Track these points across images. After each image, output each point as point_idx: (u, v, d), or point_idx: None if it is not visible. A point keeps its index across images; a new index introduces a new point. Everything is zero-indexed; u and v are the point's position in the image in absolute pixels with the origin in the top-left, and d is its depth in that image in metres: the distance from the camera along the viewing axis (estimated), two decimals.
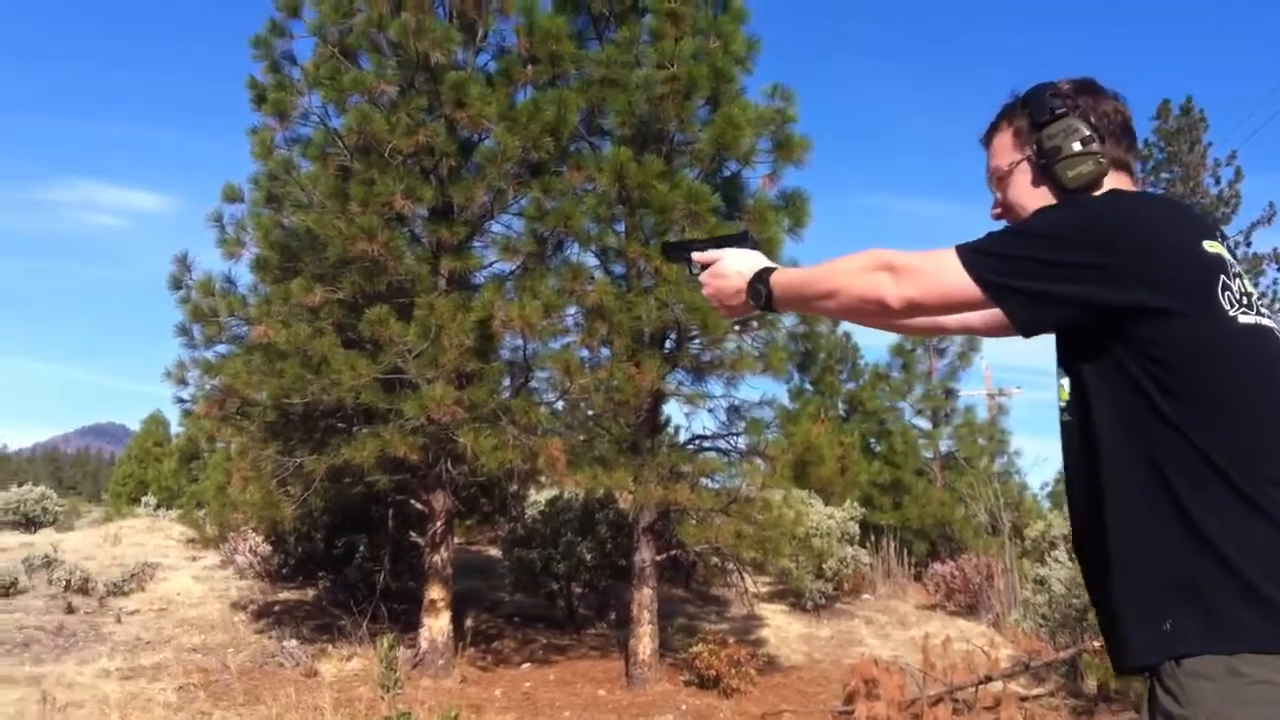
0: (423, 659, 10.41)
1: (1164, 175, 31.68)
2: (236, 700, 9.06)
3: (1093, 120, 2.06)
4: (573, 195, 10.14)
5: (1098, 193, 2.04)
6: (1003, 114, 2.20)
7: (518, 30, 10.35)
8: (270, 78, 10.63)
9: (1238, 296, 1.86)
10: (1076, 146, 2.04)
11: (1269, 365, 1.88)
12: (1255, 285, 1.98)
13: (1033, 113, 2.11)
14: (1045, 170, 2.08)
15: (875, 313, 2.06)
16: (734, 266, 2.37)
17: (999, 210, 2.21)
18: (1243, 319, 1.85)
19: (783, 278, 2.25)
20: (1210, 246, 1.88)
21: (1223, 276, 1.86)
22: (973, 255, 1.91)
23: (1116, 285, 1.80)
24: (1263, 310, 1.92)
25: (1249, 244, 31.81)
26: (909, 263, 1.97)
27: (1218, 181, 31.71)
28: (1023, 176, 2.14)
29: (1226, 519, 1.77)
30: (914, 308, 1.99)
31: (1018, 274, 1.87)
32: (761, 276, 2.28)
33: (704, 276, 2.43)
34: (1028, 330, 1.94)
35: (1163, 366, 1.81)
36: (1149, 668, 1.82)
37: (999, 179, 2.19)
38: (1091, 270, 1.80)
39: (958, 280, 1.91)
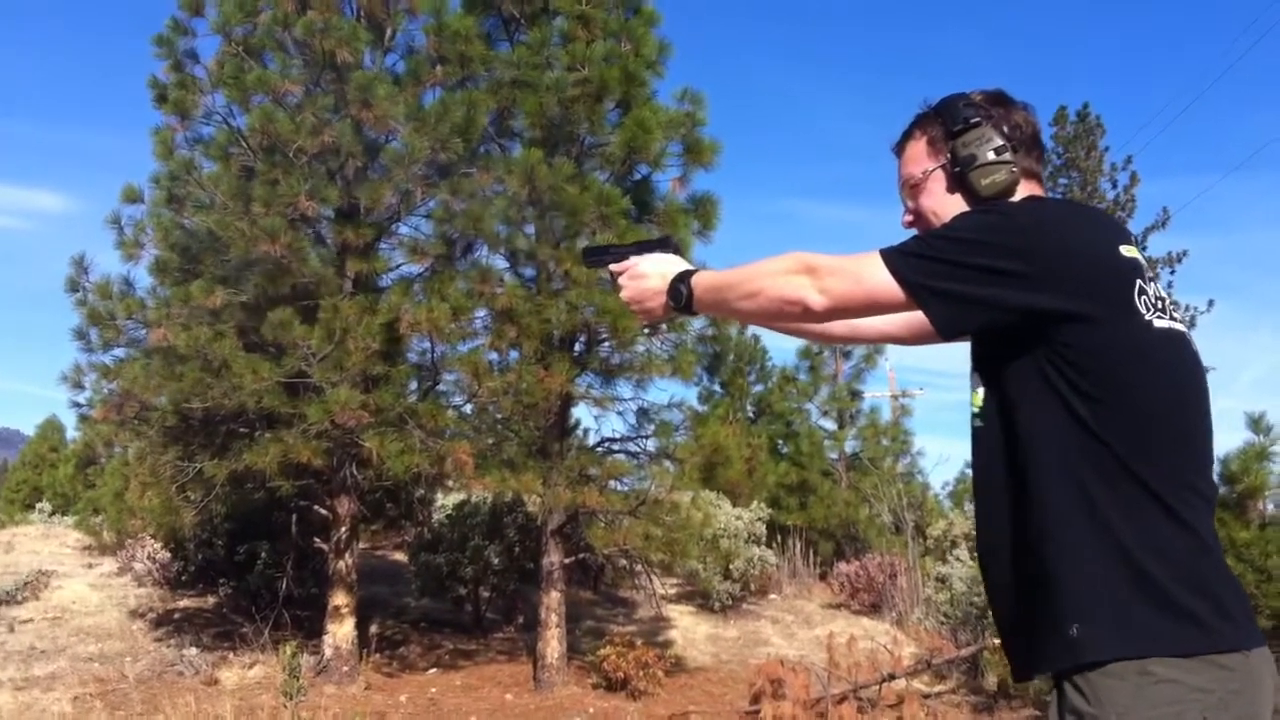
0: (326, 666, 10.27)
1: (1061, 180, 32.31)
2: (134, 710, 8.87)
3: (1005, 130, 2.08)
4: (482, 197, 10.08)
5: (1015, 199, 2.06)
6: (916, 123, 2.21)
7: (426, 30, 10.28)
8: (172, 76, 10.41)
9: (1153, 301, 1.89)
10: (990, 155, 2.06)
11: (1183, 370, 1.91)
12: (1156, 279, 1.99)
13: (947, 121, 2.12)
14: (959, 178, 2.10)
15: (796, 315, 2.03)
16: (654, 269, 2.34)
17: (910, 218, 2.21)
18: (1158, 323, 1.88)
19: (704, 279, 2.22)
20: (1127, 251, 1.91)
21: (1139, 281, 1.88)
22: (897, 257, 1.91)
23: (1037, 290, 1.81)
24: (1175, 315, 1.94)
25: (1144, 248, 32.49)
26: (831, 264, 1.96)
27: (1114, 186, 32.42)
28: (936, 184, 2.15)
29: (1142, 525, 1.80)
30: (836, 309, 1.98)
31: (940, 275, 1.87)
32: (682, 277, 2.25)
33: (623, 279, 2.39)
34: (948, 333, 1.94)
35: (1081, 371, 1.83)
36: (1054, 674, 1.84)
37: (912, 187, 2.19)
38: (1012, 274, 1.81)
39: (880, 281, 1.91)
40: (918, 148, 2.19)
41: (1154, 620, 1.76)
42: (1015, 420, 1.92)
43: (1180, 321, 1.96)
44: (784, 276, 2.01)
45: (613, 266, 2.47)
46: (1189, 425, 1.90)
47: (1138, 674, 1.73)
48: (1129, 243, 1.94)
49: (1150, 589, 1.77)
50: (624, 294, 2.40)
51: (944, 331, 1.93)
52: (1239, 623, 1.81)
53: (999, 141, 2.07)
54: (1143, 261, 1.94)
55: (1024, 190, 2.09)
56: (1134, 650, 1.75)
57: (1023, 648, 1.93)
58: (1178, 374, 1.90)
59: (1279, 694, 1.85)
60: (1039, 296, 1.81)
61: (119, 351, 10.69)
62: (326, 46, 9.71)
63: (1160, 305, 1.91)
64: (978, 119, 2.09)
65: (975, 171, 2.07)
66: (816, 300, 1.97)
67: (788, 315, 2.07)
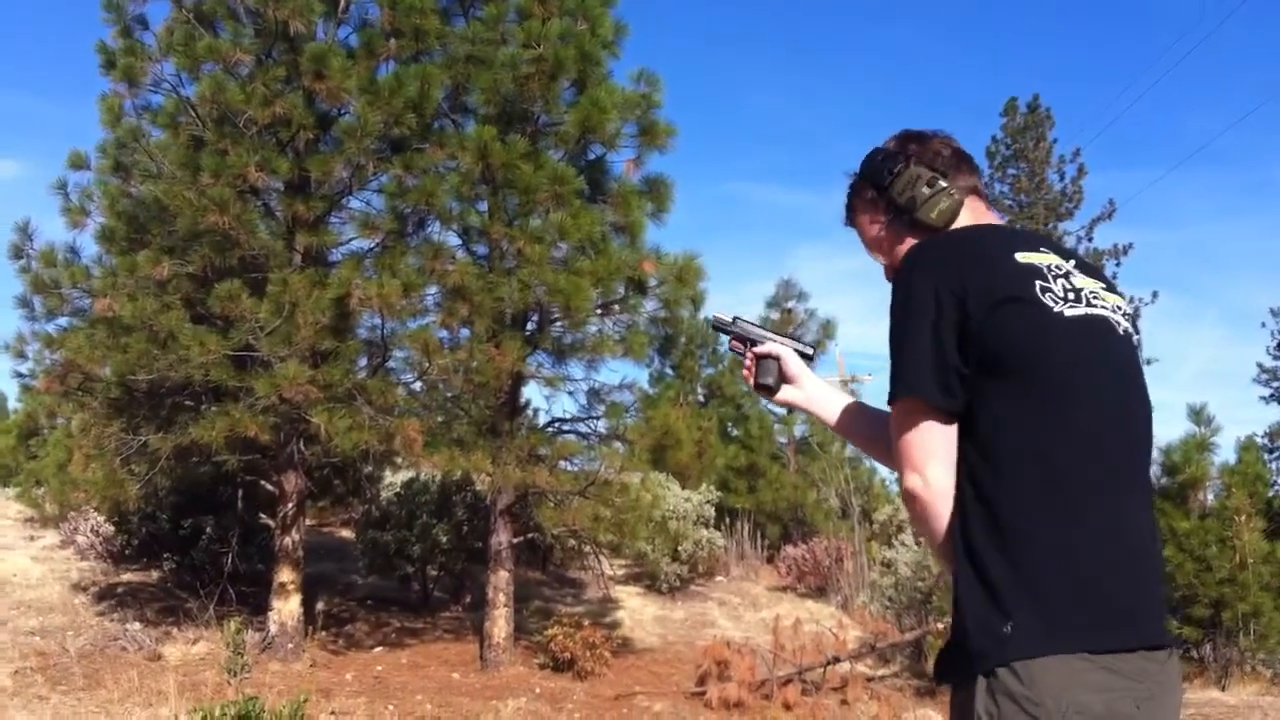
0: (272, 642, 10.20)
1: (1010, 171, 32.59)
2: (76, 684, 8.76)
3: (928, 162, 2.17)
4: (435, 173, 9.99)
5: (911, 242, 2.15)
6: (851, 194, 2.32)
7: (381, 3, 10.15)
8: (121, 42, 10.21)
9: (1061, 294, 1.94)
10: (926, 191, 2.14)
11: (1099, 356, 1.95)
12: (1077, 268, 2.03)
13: (874, 181, 2.22)
14: (910, 222, 2.17)
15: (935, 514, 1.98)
16: None
17: (893, 273, 2.23)
18: (1070, 312, 1.93)
19: None
20: (1023, 258, 1.97)
21: (1039, 281, 1.94)
22: (901, 388, 1.96)
23: (968, 303, 1.89)
24: (1094, 302, 1.98)
25: (1090, 239, 32.96)
26: (902, 450, 1.98)
27: (1062, 178, 32.78)
28: (893, 237, 2.23)
29: (1053, 525, 1.82)
30: (941, 474, 1.94)
31: (924, 358, 1.93)
32: None
33: (759, 352, 2.46)
34: None
35: (994, 370, 1.89)
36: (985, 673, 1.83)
37: (879, 248, 2.28)
38: (949, 306, 1.90)
39: (923, 425, 1.94)
40: (862, 216, 2.30)
41: (1074, 620, 1.79)
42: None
43: (1106, 308, 2.00)
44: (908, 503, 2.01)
45: (760, 350, 2.48)
46: (1103, 421, 1.92)
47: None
48: (1030, 249, 2.01)
49: (1067, 589, 1.80)
50: None
51: None
52: (1152, 616, 1.87)
53: (929, 174, 2.15)
54: (1044, 265, 1.99)
55: (969, 206, 2.17)
56: (1065, 648, 1.77)
57: (951, 647, 1.95)
58: (1091, 362, 1.93)
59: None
60: (968, 314, 1.89)
61: (63, 321, 10.55)
62: (279, 16, 9.58)
63: (1074, 295, 1.96)
64: (899, 166, 2.17)
65: (921, 210, 2.15)
66: (918, 488, 1.96)
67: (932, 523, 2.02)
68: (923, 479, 1.92)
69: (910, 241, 2.17)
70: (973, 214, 2.18)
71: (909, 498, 1.96)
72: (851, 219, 2.33)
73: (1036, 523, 1.83)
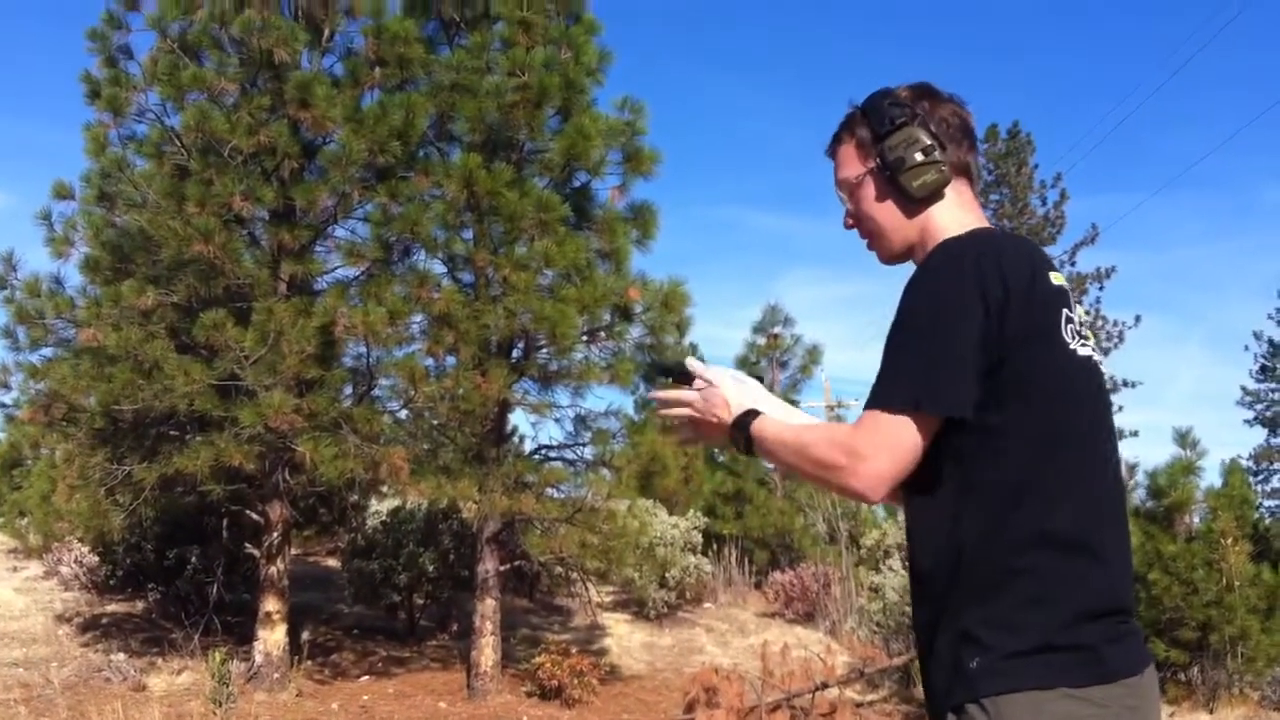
0: (257, 672, 10.14)
1: (992, 197, 32.79)
2: (60, 716, 8.70)
3: (932, 127, 2.04)
4: (420, 201, 10.00)
5: (944, 232, 2.02)
6: (844, 125, 2.16)
7: (365, 32, 10.19)
8: (105, 72, 10.25)
9: (1077, 327, 1.91)
10: (919, 157, 2.01)
11: (1092, 397, 1.93)
12: (1080, 303, 2.01)
13: (873, 124, 2.07)
14: (890, 181, 2.06)
15: (845, 493, 1.94)
16: (728, 396, 2.18)
17: (851, 221, 2.18)
18: (1081, 351, 1.90)
19: (765, 434, 2.08)
20: (1055, 279, 1.91)
21: (1064, 310, 1.89)
22: (890, 388, 1.85)
23: (1001, 321, 1.80)
24: (1085, 338, 1.95)
25: (1073, 264, 33.23)
26: (864, 446, 1.85)
27: (1044, 203, 33.02)
28: (869, 189, 2.11)
29: (1039, 570, 1.80)
30: (892, 485, 1.87)
31: (937, 369, 1.81)
32: (743, 422, 2.11)
33: (699, 386, 2.23)
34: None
35: (1006, 394, 1.82)
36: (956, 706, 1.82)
37: (848, 191, 2.16)
38: (982, 319, 1.80)
39: (905, 434, 1.83)
40: (848, 151, 2.14)
41: (1051, 654, 1.77)
42: (939, 459, 1.89)
43: (1095, 349, 1.97)
44: (825, 465, 1.91)
45: (694, 367, 2.32)
46: (1097, 464, 1.91)
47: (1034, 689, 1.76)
48: (1055, 269, 1.94)
49: (1045, 621, 1.78)
50: (695, 405, 2.22)
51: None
52: (1130, 646, 1.85)
53: (926, 141, 2.02)
54: (1066, 289, 1.94)
55: (954, 186, 2.07)
56: (1032, 682, 1.76)
57: (930, 675, 1.94)
58: (1087, 401, 1.91)
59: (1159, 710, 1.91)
60: (1003, 327, 1.80)
61: (47, 351, 10.53)
62: (264, 45, 9.61)
63: (1081, 332, 1.92)
64: (903, 119, 2.04)
65: (905, 175, 2.03)
66: (873, 492, 1.87)
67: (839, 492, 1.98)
68: (879, 492, 1.86)
69: (889, 201, 2.08)
70: (957, 195, 2.07)
71: (856, 496, 1.88)
72: (834, 151, 2.18)
73: (1022, 565, 1.80)
